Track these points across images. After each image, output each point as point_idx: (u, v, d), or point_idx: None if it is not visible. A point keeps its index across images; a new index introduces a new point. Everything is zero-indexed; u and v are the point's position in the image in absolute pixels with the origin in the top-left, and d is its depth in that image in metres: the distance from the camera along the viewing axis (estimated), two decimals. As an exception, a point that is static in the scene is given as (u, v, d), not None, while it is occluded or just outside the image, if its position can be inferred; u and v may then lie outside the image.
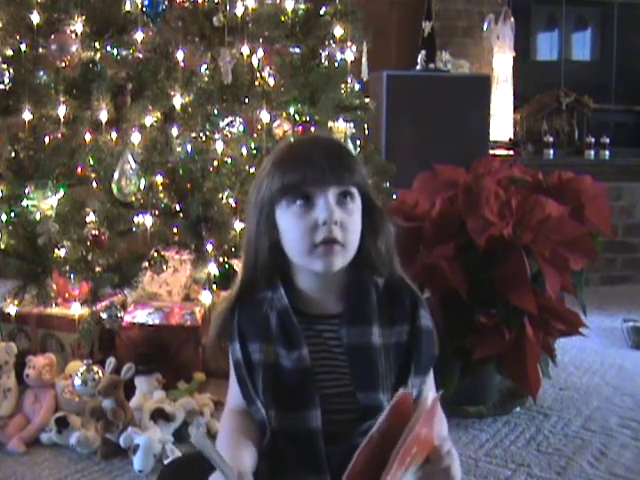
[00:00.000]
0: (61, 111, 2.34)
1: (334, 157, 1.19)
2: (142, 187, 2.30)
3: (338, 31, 2.81)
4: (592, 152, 4.60)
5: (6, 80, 2.36)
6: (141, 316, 2.49)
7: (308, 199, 1.17)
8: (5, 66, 2.37)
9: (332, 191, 1.17)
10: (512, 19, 4.54)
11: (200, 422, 2.19)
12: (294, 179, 1.17)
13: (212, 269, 2.40)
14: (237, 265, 2.36)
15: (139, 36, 2.40)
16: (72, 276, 2.32)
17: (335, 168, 1.17)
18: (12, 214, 2.39)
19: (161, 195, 2.39)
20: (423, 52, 4.27)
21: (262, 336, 1.22)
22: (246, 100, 2.53)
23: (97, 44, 2.39)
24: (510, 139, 4.55)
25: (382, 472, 0.99)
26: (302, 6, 2.74)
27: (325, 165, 1.16)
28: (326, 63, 2.81)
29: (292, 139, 2.53)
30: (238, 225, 2.38)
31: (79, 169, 2.39)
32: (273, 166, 1.20)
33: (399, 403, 1.06)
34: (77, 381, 2.19)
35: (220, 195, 2.42)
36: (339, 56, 2.88)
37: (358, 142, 3.01)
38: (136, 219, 2.36)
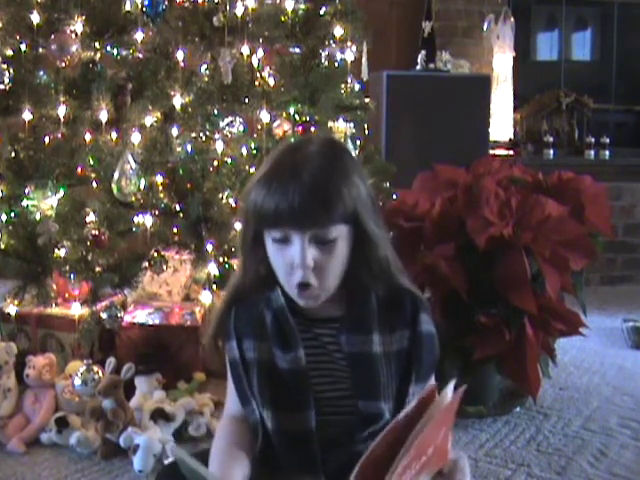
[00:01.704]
0: (61, 111, 2.34)
1: (312, 195, 1.10)
2: (142, 187, 2.30)
3: (338, 31, 2.81)
4: (592, 152, 4.60)
5: (6, 80, 2.36)
6: (141, 316, 2.49)
7: (284, 234, 1.13)
8: (5, 66, 2.37)
9: (307, 232, 1.12)
10: (512, 19, 4.53)
11: (200, 422, 2.19)
12: (270, 210, 1.11)
13: (212, 269, 2.40)
14: (237, 265, 2.36)
15: (139, 36, 2.40)
16: (72, 276, 2.31)
17: (311, 209, 1.10)
18: (12, 214, 2.38)
19: (161, 195, 2.39)
20: (423, 52, 4.27)
21: (256, 334, 1.22)
22: (246, 100, 2.53)
23: (97, 44, 2.39)
24: (510, 139, 4.55)
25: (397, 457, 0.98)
26: (302, 6, 2.74)
27: (301, 206, 1.09)
28: (326, 63, 2.81)
29: (291, 140, 2.54)
30: (238, 225, 2.38)
31: (79, 169, 2.38)
32: (262, 178, 1.15)
33: (427, 396, 1.05)
34: (77, 381, 2.19)
35: (220, 195, 2.42)
36: (339, 56, 2.88)
37: (358, 142, 3.01)
38: (136, 219, 2.36)
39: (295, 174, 1.12)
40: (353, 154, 2.39)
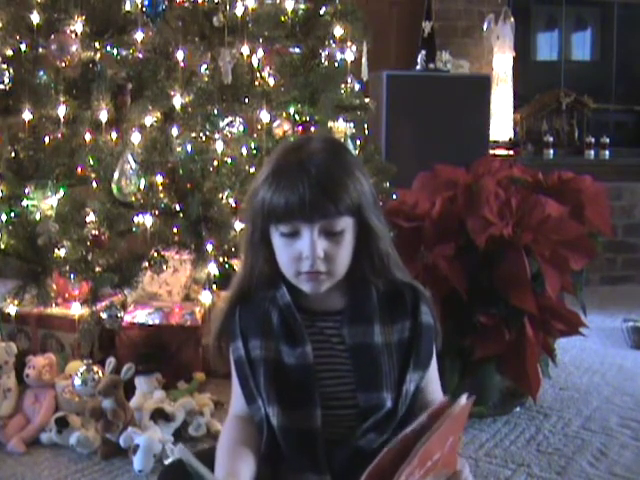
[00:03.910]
0: (61, 111, 2.34)
1: (321, 187, 1.14)
2: (142, 187, 2.30)
3: (338, 31, 2.81)
4: (592, 152, 4.61)
5: (6, 80, 2.36)
6: (141, 316, 2.49)
7: (293, 228, 1.16)
8: (5, 66, 2.37)
9: (317, 224, 1.15)
10: (512, 19, 4.53)
11: (200, 422, 2.19)
12: (280, 205, 1.15)
13: (212, 269, 2.40)
14: (237, 265, 2.36)
15: (139, 36, 2.40)
16: (72, 276, 2.32)
17: (321, 201, 1.14)
18: (12, 214, 2.39)
19: (161, 195, 2.39)
20: (423, 52, 4.27)
21: (262, 332, 1.23)
22: (246, 100, 2.53)
23: (97, 44, 2.40)
24: (510, 139, 4.55)
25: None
26: (302, 6, 2.74)
27: (311, 198, 1.13)
28: (326, 63, 2.81)
29: (292, 139, 2.54)
30: (238, 225, 2.39)
31: (79, 169, 2.39)
32: (269, 176, 1.18)
33: (438, 410, 1.04)
34: (77, 381, 2.19)
35: (220, 195, 2.42)
36: (339, 56, 2.88)
37: (358, 142, 3.01)
38: (136, 219, 2.36)
39: (302, 169, 1.15)
40: (353, 152, 2.40)
